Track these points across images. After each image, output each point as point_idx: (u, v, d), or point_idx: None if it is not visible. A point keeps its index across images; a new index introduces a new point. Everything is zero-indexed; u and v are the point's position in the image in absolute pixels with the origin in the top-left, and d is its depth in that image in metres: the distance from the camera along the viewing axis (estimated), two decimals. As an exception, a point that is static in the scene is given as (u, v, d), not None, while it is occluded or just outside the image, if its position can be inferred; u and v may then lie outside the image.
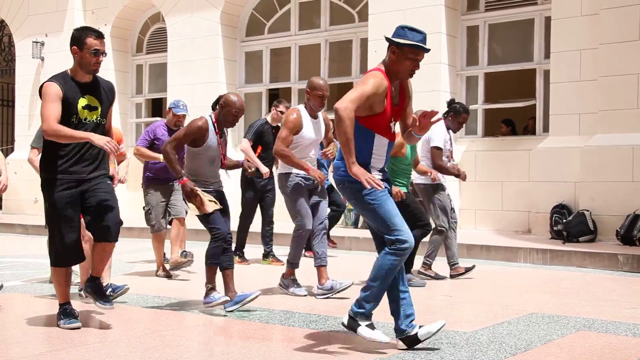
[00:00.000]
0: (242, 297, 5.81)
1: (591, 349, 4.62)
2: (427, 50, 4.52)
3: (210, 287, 5.85)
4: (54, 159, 5.10)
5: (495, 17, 12.52)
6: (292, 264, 6.75)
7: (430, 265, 7.76)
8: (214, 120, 5.98)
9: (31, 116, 17.21)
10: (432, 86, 12.06)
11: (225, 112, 5.92)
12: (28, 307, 6.12)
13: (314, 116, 6.74)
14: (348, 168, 4.41)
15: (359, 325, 4.55)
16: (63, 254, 5.18)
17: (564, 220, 10.41)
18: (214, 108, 6.06)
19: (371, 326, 4.57)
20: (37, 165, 6.93)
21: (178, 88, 15.01)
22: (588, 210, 10.36)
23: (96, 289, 5.28)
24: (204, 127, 5.87)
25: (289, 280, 6.75)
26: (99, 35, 5.15)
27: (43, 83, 5.09)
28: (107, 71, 16.11)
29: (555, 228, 10.55)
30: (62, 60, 16.34)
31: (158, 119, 16.62)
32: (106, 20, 16.32)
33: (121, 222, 5.24)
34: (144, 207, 7.85)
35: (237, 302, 5.80)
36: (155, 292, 6.74)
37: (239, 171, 9.08)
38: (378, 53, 12.32)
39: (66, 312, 5.20)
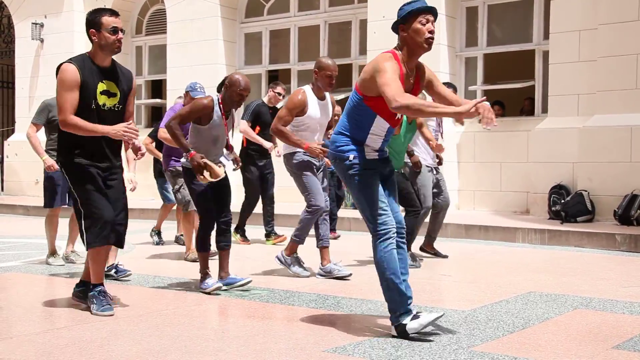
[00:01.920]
0: (232, 281, 5.92)
1: (588, 327, 4.67)
2: (434, 10, 4.38)
3: (204, 273, 5.87)
4: (72, 145, 5.02)
5: (494, -2, 12.50)
6: (297, 240, 6.62)
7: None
8: (219, 101, 5.93)
9: (31, 98, 17.20)
10: (431, 67, 11.71)
11: (231, 92, 5.85)
12: (29, 286, 6.17)
13: (320, 97, 6.58)
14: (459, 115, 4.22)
15: (405, 325, 4.29)
16: (104, 231, 5.02)
17: (562, 201, 10.45)
18: (219, 90, 6.03)
19: (415, 316, 4.30)
20: (34, 142, 7.03)
21: (178, 70, 14.99)
22: (586, 191, 10.40)
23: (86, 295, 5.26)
24: (209, 106, 5.81)
25: (292, 258, 6.67)
26: (114, 13, 5.08)
27: (61, 64, 4.98)
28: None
29: (553, 208, 10.59)
30: (62, 41, 16.34)
31: (158, 100, 16.65)
32: (105, 2, 16.22)
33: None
34: (173, 189, 7.86)
35: (227, 283, 5.90)
36: (156, 272, 6.79)
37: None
38: (377, 34, 12.32)
39: (100, 295, 5.05)
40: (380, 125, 4.49)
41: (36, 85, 17.16)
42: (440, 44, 12.24)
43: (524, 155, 11.67)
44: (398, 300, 4.34)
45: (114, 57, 5.18)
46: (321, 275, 6.55)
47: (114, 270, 6.41)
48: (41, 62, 16.85)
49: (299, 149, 6.50)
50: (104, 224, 5.00)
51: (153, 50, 16.57)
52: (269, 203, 9.28)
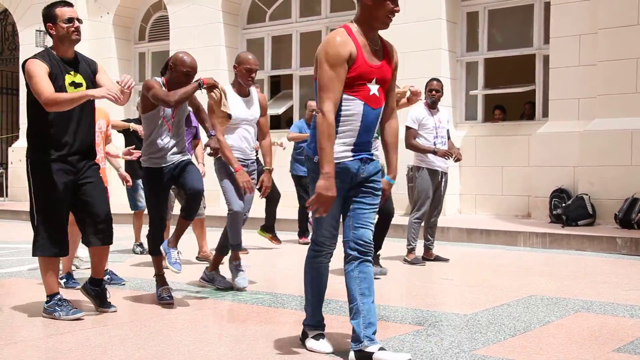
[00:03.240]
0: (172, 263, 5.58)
1: (589, 330, 4.70)
2: None
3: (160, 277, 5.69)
4: (43, 135, 4.96)
5: (495, 3, 12.54)
6: (236, 247, 6.29)
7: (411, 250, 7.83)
8: (164, 84, 5.55)
9: (34, 104, 17.25)
10: (432, 72, 12.03)
11: (177, 72, 5.50)
12: (33, 291, 6.16)
13: (243, 94, 6.22)
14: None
15: (307, 336, 4.24)
16: (56, 244, 5.02)
17: (563, 204, 10.48)
18: (163, 73, 5.66)
19: (317, 337, 4.20)
20: None
21: (180, 75, 15.03)
22: (587, 194, 10.43)
23: (99, 293, 5.29)
24: (158, 84, 5.48)
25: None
26: (67, 4, 5.09)
27: (25, 60, 4.92)
28: (110, 59, 16.17)
29: (554, 212, 10.63)
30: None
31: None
32: (108, 9, 16.36)
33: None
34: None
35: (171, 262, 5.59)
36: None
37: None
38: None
39: (62, 302, 5.04)
40: (352, 108, 3.89)
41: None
42: (441, 48, 12.30)
43: (525, 159, 11.71)
44: (310, 313, 4.26)
45: (82, 50, 5.18)
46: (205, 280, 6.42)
47: (107, 276, 6.36)
48: (44, 68, 16.89)
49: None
50: (54, 238, 4.99)
51: (156, 57, 16.64)
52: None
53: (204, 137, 6.78)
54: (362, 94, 3.89)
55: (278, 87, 16.19)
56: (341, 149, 3.91)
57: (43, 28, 17.54)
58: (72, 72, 5.05)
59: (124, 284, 6.41)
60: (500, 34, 12.76)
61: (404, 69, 11.60)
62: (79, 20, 5.09)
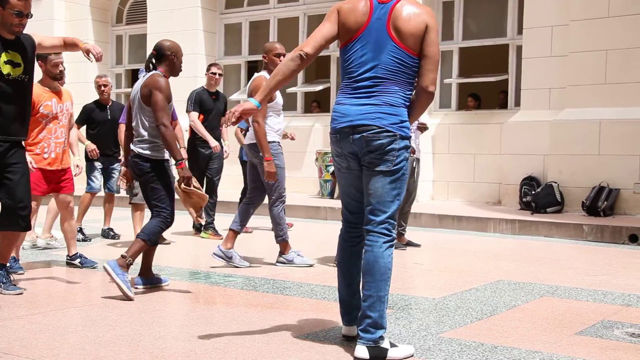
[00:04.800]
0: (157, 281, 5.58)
1: (553, 314, 4.81)
2: None
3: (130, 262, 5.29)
4: None
5: (470, -7, 12.65)
6: (283, 238, 6.57)
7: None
8: (165, 75, 5.47)
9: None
10: (407, 60, 12.19)
11: (179, 59, 5.55)
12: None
13: None
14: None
15: (390, 344, 3.78)
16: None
17: (533, 192, 10.64)
18: (149, 68, 5.49)
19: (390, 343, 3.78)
20: None
21: (156, 59, 14.96)
22: (556, 182, 10.59)
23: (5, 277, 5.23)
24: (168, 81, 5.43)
25: (292, 253, 6.61)
26: None
27: None
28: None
29: (524, 199, 10.78)
30: (41, 29, 16.23)
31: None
32: (84, -9, 16.24)
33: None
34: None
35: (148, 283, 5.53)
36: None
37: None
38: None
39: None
40: None
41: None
42: (416, 37, 12.35)
43: (497, 147, 11.85)
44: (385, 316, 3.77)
45: None
46: (218, 255, 6.51)
47: (78, 260, 6.36)
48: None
49: (271, 138, 6.43)
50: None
51: (133, 40, 16.54)
52: (211, 194, 8.63)
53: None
54: None
55: (255, 72, 16.18)
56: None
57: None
58: (9, 51, 4.99)
59: (95, 266, 6.38)
60: (475, 23, 12.86)
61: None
62: (28, 16, 5.01)
